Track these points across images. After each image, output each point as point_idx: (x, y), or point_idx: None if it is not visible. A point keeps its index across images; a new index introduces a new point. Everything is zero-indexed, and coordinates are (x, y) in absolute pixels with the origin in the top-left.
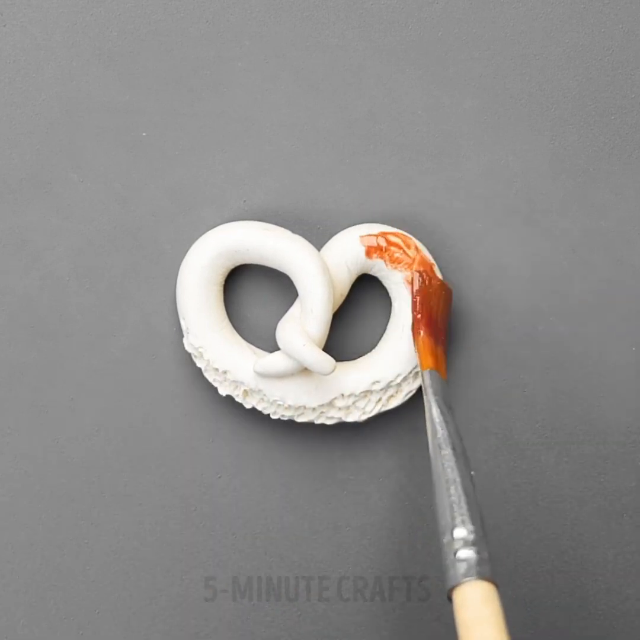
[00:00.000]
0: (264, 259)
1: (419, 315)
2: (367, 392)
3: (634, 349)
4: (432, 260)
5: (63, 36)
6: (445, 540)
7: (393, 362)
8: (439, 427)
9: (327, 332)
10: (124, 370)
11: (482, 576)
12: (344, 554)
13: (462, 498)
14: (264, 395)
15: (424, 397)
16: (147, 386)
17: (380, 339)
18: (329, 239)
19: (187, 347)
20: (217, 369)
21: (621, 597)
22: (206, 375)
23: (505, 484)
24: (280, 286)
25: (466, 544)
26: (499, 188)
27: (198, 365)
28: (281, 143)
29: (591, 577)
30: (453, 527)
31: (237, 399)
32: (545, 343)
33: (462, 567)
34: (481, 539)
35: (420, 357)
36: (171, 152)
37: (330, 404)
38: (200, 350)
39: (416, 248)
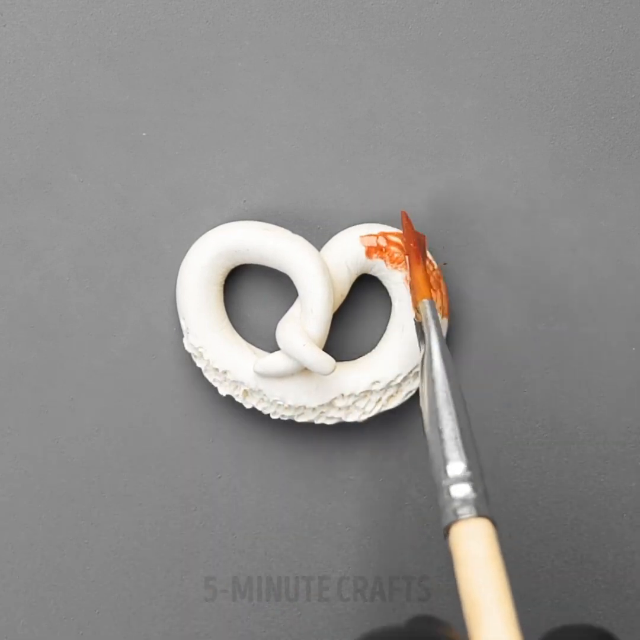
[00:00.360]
0: (264, 259)
1: (415, 246)
2: (367, 392)
3: (634, 349)
4: (432, 260)
5: (63, 36)
6: (441, 476)
7: (393, 362)
8: (437, 359)
9: (327, 332)
10: (124, 370)
11: (479, 513)
12: (344, 554)
13: (458, 433)
14: (264, 395)
15: (423, 328)
16: (147, 386)
17: (380, 339)
18: (329, 239)
19: (187, 347)
20: (217, 369)
21: (621, 597)
22: (206, 375)
23: (505, 484)
24: (280, 286)
25: (462, 480)
26: (499, 188)
27: (198, 365)
28: (281, 143)
29: (591, 577)
30: (448, 462)
31: (237, 399)
32: (545, 343)
33: (457, 504)
34: (477, 476)
35: (420, 288)
36: (171, 152)
37: (330, 404)
38: (200, 350)
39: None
